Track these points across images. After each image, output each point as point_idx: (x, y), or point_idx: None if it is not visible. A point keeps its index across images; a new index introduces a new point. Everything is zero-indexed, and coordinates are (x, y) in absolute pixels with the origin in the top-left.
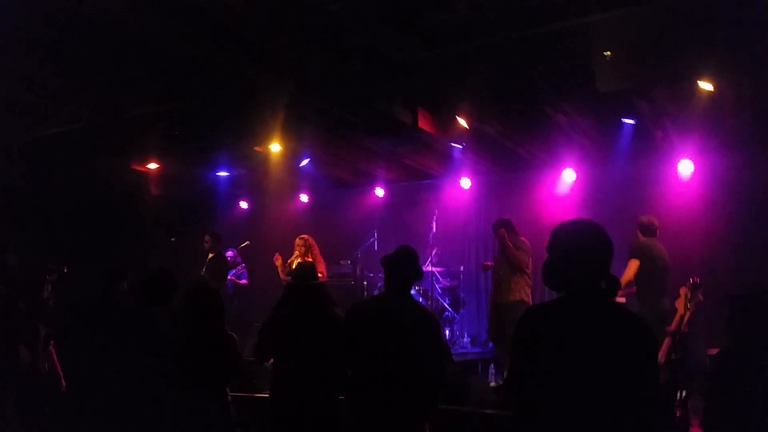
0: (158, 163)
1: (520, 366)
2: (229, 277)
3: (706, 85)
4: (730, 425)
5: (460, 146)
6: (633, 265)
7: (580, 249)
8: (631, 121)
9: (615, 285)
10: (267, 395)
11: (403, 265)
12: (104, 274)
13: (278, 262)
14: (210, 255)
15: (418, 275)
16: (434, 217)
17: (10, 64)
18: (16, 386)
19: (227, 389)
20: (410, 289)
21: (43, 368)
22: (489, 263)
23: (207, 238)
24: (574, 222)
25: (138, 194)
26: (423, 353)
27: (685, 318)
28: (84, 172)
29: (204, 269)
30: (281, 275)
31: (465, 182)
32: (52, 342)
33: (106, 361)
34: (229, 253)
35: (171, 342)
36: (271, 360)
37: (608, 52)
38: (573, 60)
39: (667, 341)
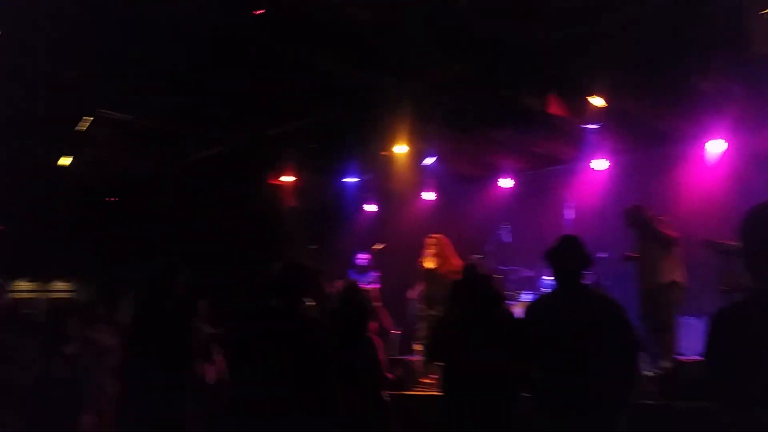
0: (293, 176)
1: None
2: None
3: None
4: None
5: (595, 127)
6: None
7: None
8: None
9: None
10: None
11: (567, 257)
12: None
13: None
14: None
15: (586, 263)
16: (569, 204)
17: (159, 95)
18: (201, 403)
19: (379, 390)
20: (581, 279)
21: (211, 378)
22: (630, 254)
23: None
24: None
25: (277, 207)
26: (609, 349)
27: None
28: (228, 192)
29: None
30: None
31: (599, 164)
32: (218, 352)
33: (273, 367)
34: (363, 258)
35: (329, 345)
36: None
37: (766, 10)
38: (720, 23)
39: None
